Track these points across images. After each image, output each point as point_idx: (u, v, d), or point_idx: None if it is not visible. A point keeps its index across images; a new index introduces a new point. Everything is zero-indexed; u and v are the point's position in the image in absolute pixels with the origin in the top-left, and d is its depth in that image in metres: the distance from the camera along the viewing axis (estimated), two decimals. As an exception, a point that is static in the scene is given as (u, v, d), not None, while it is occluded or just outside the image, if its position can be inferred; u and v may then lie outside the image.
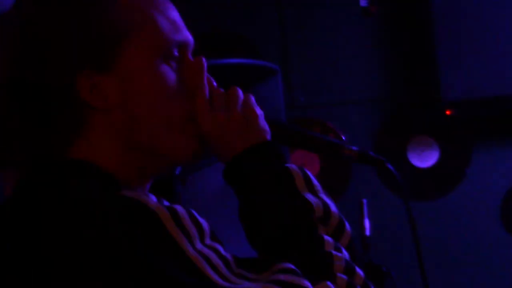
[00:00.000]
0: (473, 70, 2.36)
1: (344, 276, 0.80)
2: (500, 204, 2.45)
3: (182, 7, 0.88)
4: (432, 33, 2.41)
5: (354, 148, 0.93)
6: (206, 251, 0.77)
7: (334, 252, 0.82)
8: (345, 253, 0.82)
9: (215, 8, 2.55)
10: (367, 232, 2.02)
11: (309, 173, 0.88)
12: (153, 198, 0.80)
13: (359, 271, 0.81)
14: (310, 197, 0.84)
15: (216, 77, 0.93)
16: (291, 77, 2.31)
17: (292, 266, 0.78)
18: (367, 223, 2.10)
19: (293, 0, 2.61)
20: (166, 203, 0.82)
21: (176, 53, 0.84)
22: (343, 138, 2.47)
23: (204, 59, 0.88)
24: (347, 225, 0.86)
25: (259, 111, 0.88)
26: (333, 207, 0.86)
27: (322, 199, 0.85)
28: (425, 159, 2.45)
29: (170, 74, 0.84)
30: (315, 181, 0.88)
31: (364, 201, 2.06)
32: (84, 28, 0.80)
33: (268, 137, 0.88)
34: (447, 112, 2.35)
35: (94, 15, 0.80)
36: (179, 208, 0.78)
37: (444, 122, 2.45)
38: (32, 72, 0.81)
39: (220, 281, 0.75)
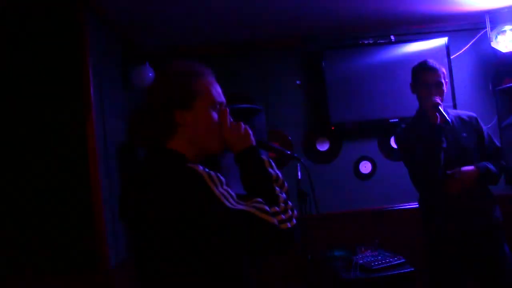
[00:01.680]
0: (344, 109, 4.16)
1: (283, 204, 1.55)
2: (352, 166, 4.33)
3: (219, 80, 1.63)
4: (325, 93, 4.14)
5: (288, 152, 1.89)
6: (223, 191, 1.47)
7: (279, 194, 1.57)
8: (284, 195, 1.59)
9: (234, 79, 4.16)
10: (299, 177, 3.36)
11: (271, 160, 1.66)
12: (200, 167, 1.48)
13: (290, 202, 1.58)
14: (271, 171, 1.63)
15: (234, 115, 1.70)
16: (269, 113, 3.99)
17: (261, 200, 1.52)
18: (299, 175, 3.46)
19: (269, 74, 4.27)
20: (206, 169, 1.48)
21: (218, 106, 1.61)
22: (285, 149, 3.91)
23: (228, 109, 1.63)
24: (286, 183, 1.64)
25: (250, 132, 1.64)
26: (280, 175, 1.65)
27: (276, 171, 1.64)
28: (324, 146, 4.29)
29: (214, 115, 1.61)
30: (273, 164, 1.66)
31: (298, 165, 3.45)
32: (181, 91, 1.57)
33: (253, 144, 1.63)
34: (332, 128, 4.14)
35: (188, 84, 1.57)
36: (211, 172, 1.48)
37: (330, 131, 4.22)
38: (160, 107, 1.56)
39: (229, 204, 1.46)
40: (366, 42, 4.28)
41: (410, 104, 3.74)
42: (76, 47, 2.87)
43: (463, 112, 3.09)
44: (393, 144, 4.36)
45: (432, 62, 2.91)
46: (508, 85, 3.59)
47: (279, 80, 4.35)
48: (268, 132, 3.81)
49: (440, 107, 2.79)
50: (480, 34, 4.35)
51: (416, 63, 3.81)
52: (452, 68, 4.25)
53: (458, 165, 2.83)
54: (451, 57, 4.27)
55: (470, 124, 2.98)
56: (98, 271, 2.81)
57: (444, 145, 2.78)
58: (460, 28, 4.34)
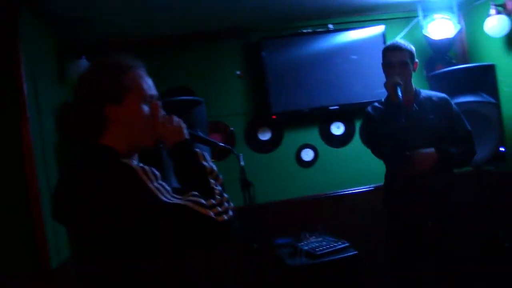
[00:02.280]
0: (285, 98, 4.20)
1: (218, 197, 1.56)
2: (294, 154, 4.40)
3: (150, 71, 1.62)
4: (265, 82, 4.17)
5: (221, 144, 2.05)
6: (158, 186, 1.47)
7: (214, 187, 1.59)
8: (219, 188, 1.60)
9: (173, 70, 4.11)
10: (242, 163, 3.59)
11: (205, 153, 1.66)
12: (134, 162, 1.50)
13: (225, 195, 1.58)
14: (205, 163, 1.63)
15: (174, 107, 2.23)
16: (210, 104, 3.94)
17: (196, 193, 1.53)
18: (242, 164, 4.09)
19: (209, 66, 4.24)
20: (140, 164, 1.50)
21: (149, 100, 1.60)
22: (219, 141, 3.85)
23: (160, 102, 1.61)
24: (220, 176, 1.65)
25: (183, 125, 1.64)
26: (214, 167, 1.66)
27: (210, 164, 1.65)
28: (266, 136, 4.32)
29: (146, 109, 1.60)
30: (207, 157, 1.66)
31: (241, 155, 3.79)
32: (112, 85, 1.55)
33: (186, 137, 1.64)
34: (273, 117, 4.16)
35: (118, 79, 1.56)
36: (145, 167, 1.49)
37: (272, 120, 4.24)
38: (90, 103, 1.53)
39: (164, 199, 1.45)
40: (305, 31, 4.32)
41: (349, 91, 4.20)
42: (7, 41, 2.76)
43: (435, 94, 3.03)
44: (333, 131, 4.48)
45: (398, 42, 2.91)
46: (440, 71, 4.00)
47: (220, 71, 4.34)
48: (209, 123, 3.85)
49: (399, 87, 2.77)
50: (413, 23, 4.41)
51: (353, 51, 4.17)
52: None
53: (423, 147, 2.83)
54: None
55: (440, 106, 2.94)
56: (39, 272, 2.75)
57: (402, 124, 2.77)
58: (396, 16, 4.42)
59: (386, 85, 2.84)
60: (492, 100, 3.80)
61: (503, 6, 3.91)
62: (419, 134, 2.85)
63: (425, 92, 3.04)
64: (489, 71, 3.89)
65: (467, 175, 3.93)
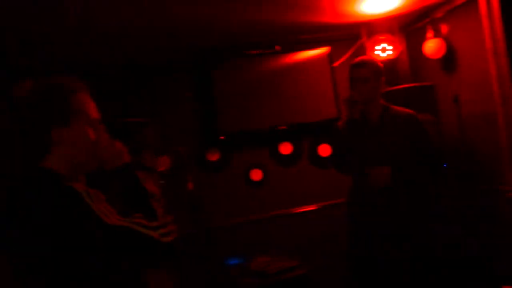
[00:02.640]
0: (234, 119, 4.19)
1: (162, 218, 1.59)
2: (243, 174, 4.38)
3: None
4: (214, 104, 4.16)
5: (160, 170, 2.61)
6: (102, 208, 1.48)
7: (157, 208, 1.62)
8: (162, 209, 1.65)
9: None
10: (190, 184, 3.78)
11: (147, 176, 2.00)
12: (78, 185, 1.51)
13: (169, 216, 1.61)
14: (147, 186, 1.68)
15: (123, 129, 2.21)
16: (158, 125, 3.41)
17: (140, 215, 1.57)
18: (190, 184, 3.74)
19: (159, 87, 4.19)
20: (85, 187, 1.52)
21: (94, 123, 1.59)
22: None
23: (104, 125, 1.61)
24: (162, 198, 1.84)
25: (125, 149, 1.68)
26: (156, 189, 1.84)
27: (153, 186, 1.79)
28: (214, 157, 4.24)
29: (90, 132, 1.60)
30: (150, 179, 2.02)
31: (190, 176, 3.78)
32: (61, 107, 1.54)
33: (128, 161, 1.68)
34: (222, 137, 4.15)
35: (66, 101, 1.55)
36: (90, 189, 1.52)
37: (220, 141, 4.22)
38: (37, 125, 1.51)
39: (109, 221, 1.46)
40: (254, 52, 4.32)
41: (297, 111, 4.19)
42: None
43: (403, 111, 2.95)
44: (281, 150, 4.47)
45: (363, 58, 2.92)
46: (384, 90, 3.67)
47: (169, 92, 4.30)
48: (157, 145, 3.56)
49: (353, 102, 2.77)
50: (358, 44, 4.45)
51: (300, 71, 4.16)
52: (335, 75, 4.39)
53: (382, 163, 2.80)
54: (333, 65, 4.41)
55: (404, 123, 2.89)
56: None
57: (359, 140, 2.78)
58: (341, 38, 4.47)
59: (343, 101, 2.86)
60: (433, 119, 3.86)
61: (438, 29, 4.01)
62: (380, 150, 2.84)
63: (396, 108, 2.98)
64: (429, 90, 3.98)
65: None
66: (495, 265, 3.49)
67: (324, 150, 4.48)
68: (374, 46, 4.19)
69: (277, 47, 4.37)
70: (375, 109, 2.91)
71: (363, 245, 2.89)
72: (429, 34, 4.00)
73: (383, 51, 4.18)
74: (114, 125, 1.98)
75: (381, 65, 2.94)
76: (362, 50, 4.31)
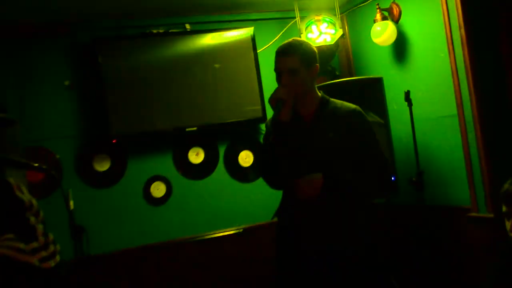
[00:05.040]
0: (130, 116, 3.96)
1: (42, 237, 1.60)
2: (141, 188, 4.16)
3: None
4: (104, 96, 3.92)
5: (35, 165, 1.89)
6: None
7: (35, 225, 1.62)
8: (42, 226, 1.65)
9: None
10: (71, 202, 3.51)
11: (19, 183, 1.68)
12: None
13: (50, 235, 1.66)
14: (22, 196, 1.67)
15: None
16: (26, 124, 3.77)
17: (12, 235, 1.55)
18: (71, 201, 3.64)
19: (26, 73, 3.90)
20: None
21: None
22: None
23: None
24: (41, 211, 1.71)
25: None
26: (33, 200, 1.70)
27: (29, 196, 1.68)
28: (104, 166, 4.05)
29: None
30: (24, 188, 1.69)
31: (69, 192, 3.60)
32: None
33: None
34: (114, 141, 3.96)
35: None
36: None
37: (112, 145, 4.06)
38: None
39: None
40: (155, 31, 4.16)
41: (211, 109, 4.14)
42: None
43: (345, 106, 2.88)
44: (191, 158, 4.35)
45: (288, 43, 2.79)
46: (320, 84, 3.76)
47: (41, 81, 4.01)
48: (25, 149, 3.73)
49: (279, 102, 2.66)
50: (289, 25, 4.46)
51: (216, 58, 4.12)
52: (260, 62, 4.31)
53: (318, 171, 2.73)
54: (258, 51, 4.32)
55: (345, 121, 2.81)
56: None
57: (288, 144, 2.72)
58: (268, 17, 4.46)
59: (269, 101, 2.76)
60: (380, 120, 3.81)
61: (388, 10, 3.99)
62: (315, 155, 2.78)
63: (336, 102, 2.89)
64: (376, 85, 3.91)
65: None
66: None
67: (246, 158, 4.42)
68: (309, 29, 4.18)
69: (187, 26, 4.27)
70: (309, 105, 2.83)
71: (293, 273, 2.84)
72: (377, 16, 3.95)
73: (320, 35, 4.19)
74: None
75: (314, 49, 2.84)
76: (294, 33, 4.26)
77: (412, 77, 3.93)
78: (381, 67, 4.22)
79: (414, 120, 3.60)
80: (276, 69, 2.78)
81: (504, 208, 2.18)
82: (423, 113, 3.79)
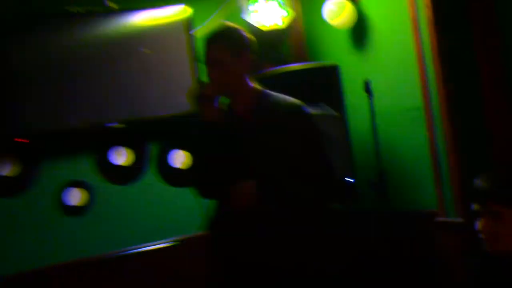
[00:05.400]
0: (40, 110, 3.65)
1: None
2: (54, 196, 3.85)
3: None
4: (8, 86, 3.61)
5: None
6: None
7: None
8: None
9: None
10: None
11: None
12: None
13: None
14: None
15: None
16: None
17: None
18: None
19: None
20: None
21: None
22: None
23: None
24: None
25: None
26: None
27: None
28: (5, 170, 3.72)
29: None
30: None
31: None
32: None
33: None
34: (19, 139, 3.66)
35: None
36: None
37: (16, 145, 3.74)
38: None
39: None
40: (74, 11, 3.85)
41: (138, 101, 3.90)
42: None
43: (285, 101, 2.80)
44: (114, 159, 4.15)
45: (214, 31, 2.76)
46: (267, 72, 3.81)
47: None
48: None
49: (205, 99, 2.63)
50: (226, 2, 4.30)
51: (144, 41, 4.00)
52: (195, 46, 4.07)
53: (252, 176, 2.65)
54: (192, 32, 4.09)
55: (284, 119, 2.73)
56: None
57: (220, 148, 2.66)
58: None
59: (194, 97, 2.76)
60: (335, 113, 3.68)
61: None
62: (249, 158, 2.69)
63: (276, 97, 2.80)
64: (331, 73, 3.81)
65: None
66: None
67: (181, 158, 4.25)
68: (252, 8, 4.02)
69: (111, 5, 3.97)
70: (243, 101, 2.75)
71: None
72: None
73: (267, 15, 4.02)
74: None
75: (245, 35, 2.76)
76: (236, 14, 4.14)
77: (373, 64, 3.87)
78: (338, 53, 4.15)
79: (375, 114, 3.50)
80: (205, 61, 2.73)
81: (476, 206, 2.11)
82: (385, 105, 3.68)
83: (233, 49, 2.66)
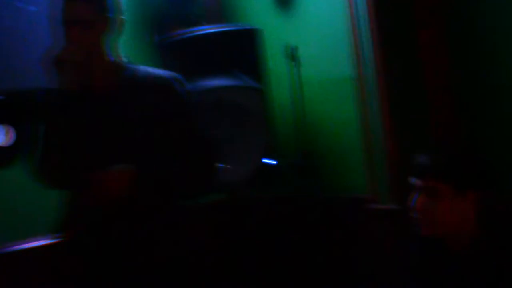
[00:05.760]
0: None
1: None
2: None
3: None
4: None
5: None
6: None
7: None
8: None
9: None
10: None
11: None
12: None
13: None
14: None
15: None
16: None
17: None
18: None
19: None
20: None
21: None
22: None
23: None
24: None
25: None
26: None
27: None
28: None
29: None
30: None
31: None
32: None
33: None
34: None
35: None
36: None
37: None
38: None
39: None
40: None
41: (14, 69, 3.59)
42: None
43: (153, 75, 2.70)
44: None
45: None
46: (175, 36, 3.72)
47: None
48: None
49: (62, 65, 2.49)
50: None
51: None
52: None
53: (113, 163, 2.50)
54: None
55: (152, 94, 2.61)
56: None
57: (74, 128, 2.51)
58: None
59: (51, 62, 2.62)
60: (255, 84, 3.56)
61: None
62: (110, 142, 2.55)
63: (143, 71, 2.67)
64: (251, 38, 3.64)
65: (200, 211, 3.44)
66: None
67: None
68: None
69: None
70: (101, 72, 2.62)
71: None
72: None
73: None
74: None
75: None
76: None
77: (300, 28, 3.73)
78: (259, 14, 3.98)
79: (302, 85, 3.51)
80: (62, 20, 2.53)
81: (416, 182, 2.12)
82: (313, 75, 3.59)
83: (104, 10, 2.51)
